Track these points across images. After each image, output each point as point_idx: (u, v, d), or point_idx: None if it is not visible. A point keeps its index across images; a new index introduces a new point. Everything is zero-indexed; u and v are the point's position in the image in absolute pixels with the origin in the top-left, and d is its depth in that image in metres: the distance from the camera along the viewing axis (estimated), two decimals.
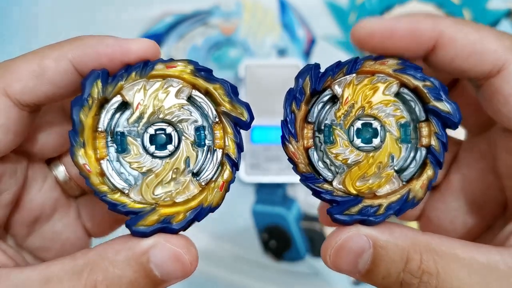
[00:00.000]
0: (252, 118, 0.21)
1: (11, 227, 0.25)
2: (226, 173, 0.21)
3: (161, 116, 0.20)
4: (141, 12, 0.56)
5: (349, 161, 0.21)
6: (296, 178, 0.22)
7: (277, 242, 0.49)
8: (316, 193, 0.21)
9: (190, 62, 0.21)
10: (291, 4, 0.56)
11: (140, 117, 0.20)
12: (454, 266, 0.19)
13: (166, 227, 0.20)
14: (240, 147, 0.21)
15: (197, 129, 0.21)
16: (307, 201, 0.49)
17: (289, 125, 0.21)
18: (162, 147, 0.21)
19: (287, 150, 0.21)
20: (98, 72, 0.20)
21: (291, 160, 0.21)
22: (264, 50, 0.55)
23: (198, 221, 0.20)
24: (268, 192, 0.50)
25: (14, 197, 0.23)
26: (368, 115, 0.21)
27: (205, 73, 0.21)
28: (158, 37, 0.55)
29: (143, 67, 0.20)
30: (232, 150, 0.21)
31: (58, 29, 0.55)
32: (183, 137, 0.21)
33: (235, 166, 0.21)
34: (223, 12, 0.56)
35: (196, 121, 0.21)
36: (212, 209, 0.20)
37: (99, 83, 0.20)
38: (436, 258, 0.19)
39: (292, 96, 0.21)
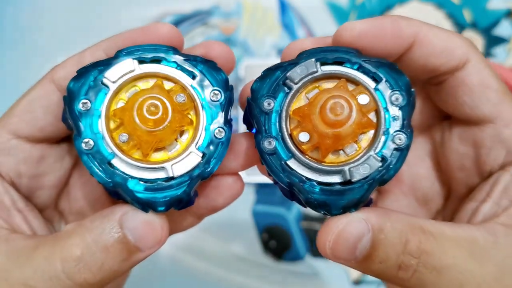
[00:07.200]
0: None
1: (64, 214, 0.27)
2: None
3: None
4: (141, 12, 0.56)
5: None
6: None
7: (277, 242, 0.49)
8: None
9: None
10: (291, 4, 0.56)
11: None
12: (447, 244, 0.20)
13: None
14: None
15: None
16: None
17: None
18: None
19: None
20: None
21: None
22: (264, 50, 0.55)
23: None
24: (268, 192, 0.50)
25: (60, 181, 0.26)
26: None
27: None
28: None
29: None
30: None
31: (58, 29, 0.55)
32: None
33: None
34: (223, 12, 0.56)
35: None
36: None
37: None
38: (431, 238, 0.20)
39: None
